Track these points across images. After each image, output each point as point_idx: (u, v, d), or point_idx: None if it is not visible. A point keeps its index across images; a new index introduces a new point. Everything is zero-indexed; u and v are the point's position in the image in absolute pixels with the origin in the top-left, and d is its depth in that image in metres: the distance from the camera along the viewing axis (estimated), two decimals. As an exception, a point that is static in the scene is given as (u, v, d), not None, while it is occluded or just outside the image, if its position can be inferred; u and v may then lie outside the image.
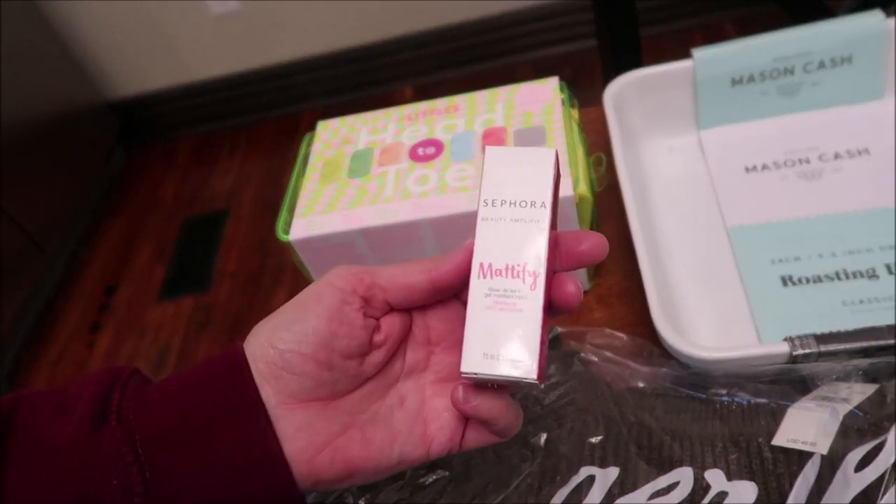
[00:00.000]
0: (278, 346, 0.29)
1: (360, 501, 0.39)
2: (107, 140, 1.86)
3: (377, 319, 0.31)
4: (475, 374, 0.28)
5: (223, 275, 1.57)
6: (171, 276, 1.62)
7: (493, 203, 0.29)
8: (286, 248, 0.47)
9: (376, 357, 0.31)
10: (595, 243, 0.29)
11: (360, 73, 1.81)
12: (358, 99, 1.84)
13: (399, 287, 0.30)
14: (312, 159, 0.50)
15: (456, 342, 0.28)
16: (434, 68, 1.79)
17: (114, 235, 1.77)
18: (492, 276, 0.28)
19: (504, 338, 0.27)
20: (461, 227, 0.44)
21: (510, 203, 0.29)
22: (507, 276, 0.28)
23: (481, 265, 0.28)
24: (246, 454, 0.28)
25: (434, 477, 0.40)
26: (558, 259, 0.30)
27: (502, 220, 0.28)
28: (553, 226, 0.29)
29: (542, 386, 0.28)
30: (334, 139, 0.51)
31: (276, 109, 1.86)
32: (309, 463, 0.29)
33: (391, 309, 0.31)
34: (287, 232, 0.46)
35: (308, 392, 0.29)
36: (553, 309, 0.29)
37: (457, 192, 0.44)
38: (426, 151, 0.48)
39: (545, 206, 0.28)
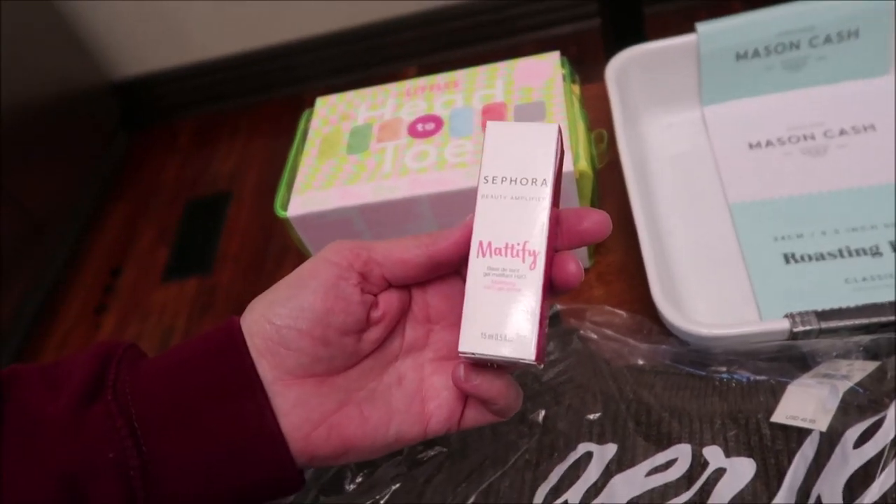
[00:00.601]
0: (274, 321, 0.28)
1: (358, 477, 0.39)
2: (109, 122, 1.85)
3: (375, 295, 0.30)
4: (473, 353, 0.27)
5: (226, 257, 1.58)
6: (175, 258, 1.62)
7: (493, 180, 0.28)
8: (287, 227, 0.46)
9: (374, 334, 0.30)
10: (597, 221, 0.29)
11: (364, 52, 1.80)
12: (362, 79, 1.82)
13: (396, 262, 0.30)
14: (311, 135, 0.50)
15: (456, 320, 0.28)
16: (439, 48, 1.77)
17: (117, 218, 1.77)
18: (491, 255, 0.28)
19: (502, 318, 0.27)
20: (459, 204, 0.44)
21: (511, 180, 0.28)
22: (506, 255, 0.28)
23: (480, 243, 0.28)
24: (242, 430, 0.28)
25: (431, 453, 0.39)
26: (560, 237, 0.29)
27: (503, 197, 0.28)
28: (555, 203, 0.29)
29: (541, 366, 0.28)
30: (333, 115, 0.51)
31: (279, 90, 1.85)
32: (305, 439, 0.29)
33: (389, 285, 0.31)
34: (285, 208, 0.46)
35: (304, 368, 0.29)
36: (554, 288, 0.29)
37: (455, 168, 0.44)
38: (425, 127, 0.47)
39: (546, 184, 0.28)
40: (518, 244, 0.27)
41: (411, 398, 0.31)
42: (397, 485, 0.38)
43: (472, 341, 0.27)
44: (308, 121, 0.51)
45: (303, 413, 0.29)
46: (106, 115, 1.84)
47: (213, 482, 0.28)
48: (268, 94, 1.87)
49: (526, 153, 0.28)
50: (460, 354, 0.28)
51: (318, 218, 0.45)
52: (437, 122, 0.47)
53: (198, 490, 0.28)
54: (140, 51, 1.82)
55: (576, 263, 0.28)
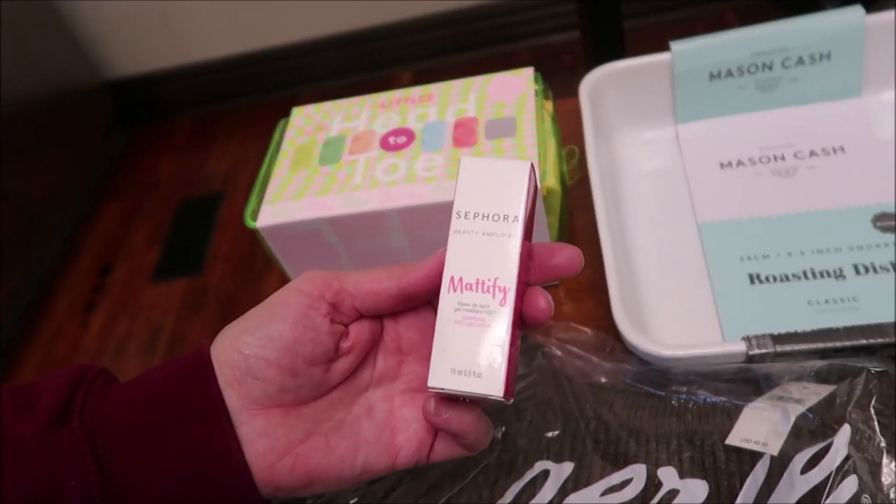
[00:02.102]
0: (243, 350, 0.28)
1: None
2: (105, 120, 1.85)
3: (345, 326, 0.30)
4: (442, 389, 0.28)
5: (216, 257, 1.58)
6: (166, 257, 1.62)
7: (465, 216, 0.29)
8: (258, 237, 0.46)
9: (343, 364, 0.30)
10: (569, 256, 0.29)
11: (361, 56, 1.80)
12: (357, 83, 1.83)
13: (367, 293, 0.30)
14: (285, 145, 0.50)
15: (428, 352, 0.28)
16: (434, 53, 1.78)
17: (110, 216, 1.77)
18: (462, 291, 0.28)
19: (472, 353, 0.27)
20: (429, 217, 0.44)
21: (483, 216, 0.28)
22: (476, 291, 0.28)
23: (452, 278, 0.28)
24: (207, 459, 0.28)
25: (391, 467, 0.40)
26: (532, 271, 0.30)
27: (474, 233, 0.28)
28: (527, 238, 0.29)
29: (510, 402, 0.28)
30: (308, 125, 0.51)
31: (275, 92, 1.86)
32: (269, 469, 0.29)
33: (360, 315, 0.31)
34: (255, 218, 0.46)
35: (271, 398, 0.29)
36: (524, 323, 0.29)
37: (424, 182, 0.44)
38: (397, 140, 0.48)
39: (518, 221, 0.28)
40: (489, 280, 0.28)
41: (380, 429, 0.31)
42: (355, 499, 0.38)
43: (442, 376, 0.28)
44: (283, 130, 0.52)
45: (268, 443, 0.29)
46: (101, 113, 1.84)
47: None
48: (264, 95, 1.88)
49: (498, 190, 0.29)
50: (429, 389, 0.28)
51: (288, 229, 0.45)
52: (409, 135, 0.48)
53: None
54: (138, 50, 1.83)
55: (546, 299, 0.29)
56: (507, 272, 0.28)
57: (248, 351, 0.28)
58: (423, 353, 0.32)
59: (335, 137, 0.49)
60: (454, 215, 0.29)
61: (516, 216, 0.28)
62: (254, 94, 1.88)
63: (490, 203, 0.29)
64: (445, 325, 0.28)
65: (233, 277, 1.52)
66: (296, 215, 0.45)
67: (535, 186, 0.30)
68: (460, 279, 0.28)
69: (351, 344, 0.30)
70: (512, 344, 0.28)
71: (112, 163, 1.89)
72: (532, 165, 0.29)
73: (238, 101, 1.91)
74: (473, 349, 0.27)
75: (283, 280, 0.44)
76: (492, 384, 0.27)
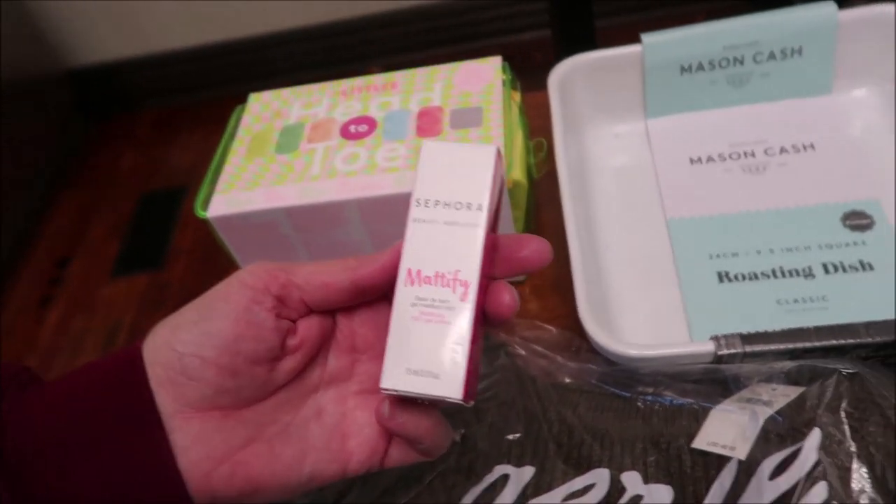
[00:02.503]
0: (177, 348, 0.26)
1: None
2: (64, 110, 1.79)
3: (293, 322, 0.28)
4: (396, 390, 0.26)
5: (179, 252, 1.54)
6: (126, 251, 1.57)
7: (426, 203, 0.27)
8: (210, 229, 0.44)
9: (289, 363, 0.28)
10: (537, 249, 0.27)
11: (330, 50, 1.77)
12: (326, 76, 1.79)
13: (317, 286, 0.28)
14: (241, 132, 0.48)
15: (384, 351, 0.26)
16: (403, 49, 1.76)
17: (68, 208, 1.72)
18: (420, 284, 0.26)
19: (429, 353, 0.25)
20: (389, 209, 0.42)
21: (444, 204, 0.26)
22: (436, 285, 0.26)
23: (409, 271, 0.26)
24: (136, 467, 0.25)
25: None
26: (497, 265, 0.28)
27: (435, 222, 0.26)
28: (493, 229, 0.27)
29: (471, 405, 0.26)
30: (265, 112, 0.49)
31: (242, 84, 1.81)
32: (205, 477, 0.26)
33: (310, 311, 0.29)
34: (206, 208, 0.43)
35: (208, 400, 0.26)
36: (487, 320, 0.27)
37: (385, 172, 0.42)
38: (358, 129, 0.46)
39: (482, 209, 0.26)
40: (449, 273, 0.26)
41: (330, 434, 0.29)
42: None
43: (396, 377, 0.26)
44: (239, 117, 0.49)
45: (204, 449, 0.26)
46: (61, 103, 1.78)
47: None
48: (230, 88, 1.83)
49: (462, 176, 0.27)
50: (382, 391, 0.26)
51: (240, 219, 0.43)
52: (371, 123, 0.46)
53: None
54: (102, 39, 1.77)
55: (511, 295, 0.27)
56: (470, 265, 0.26)
57: (183, 349, 0.26)
58: (379, 351, 0.29)
59: (293, 125, 0.47)
60: (413, 202, 0.27)
61: (480, 204, 0.26)
62: (220, 86, 1.84)
63: (452, 190, 0.27)
64: (401, 321, 0.26)
65: (196, 272, 1.48)
66: (249, 205, 0.43)
67: (502, 174, 0.28)
68: (418, 272, 0.26)
69: (299, 341, 0.28)
70: (473, 342, 0.26)
71: (71, 153, 1.83)
72: (498, 150, 0.27)
73: (203, 93, 1.86)
74: (431, 348, 0.25)
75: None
76: (450, 386, 0.25)
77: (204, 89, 1.86)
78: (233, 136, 0.48)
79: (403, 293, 0.26)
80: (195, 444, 0.26)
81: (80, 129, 1.87)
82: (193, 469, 0.26)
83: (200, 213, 0.43)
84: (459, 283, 0.26)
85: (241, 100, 0.51)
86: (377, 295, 0.29)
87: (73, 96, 1.82)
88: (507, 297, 0.27)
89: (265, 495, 0.28)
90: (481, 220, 0.26)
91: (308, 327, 0.29)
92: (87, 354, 1.39)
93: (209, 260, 1.48)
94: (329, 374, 0.30)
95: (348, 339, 0.30)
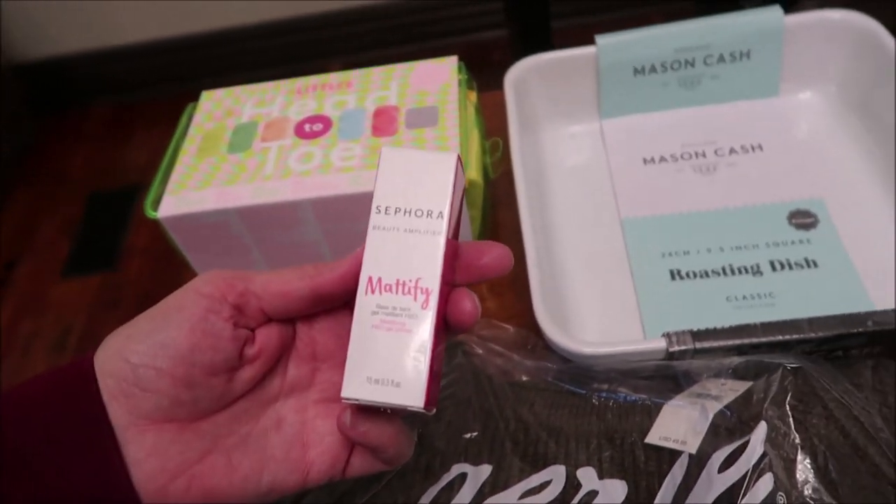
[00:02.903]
0: (130, 359, 0.25)
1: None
2: (12, 105, 1.74)
3: (252, 331, 0.28)
4: (357, 399, 0.25)
5: (133, 252, 1.50)
6: (78, 251, 1.53)
7: (385, 210, 0.26)
8: (161, 230, 0.43)
9: (247, 373, 0.27)
10: (498, 256, 0.27)
11: (288, 47, 1.75)
12: (285, 73, 1.76)
13: (275, 294, 0.27)
14: (192, 131, 0.47)
15: (345, 359, 0.26)
16: (362, 47, 1.75)
17: (16, 207, 1.66)
18: (380, 292, 0.26)
19: (390, 361, 0.25)
20: (345, 209, 0.42)
21: (405, 212, 0.26)
22: (396, 293, 0.26)
23: (370, 279, 0.26)
24: (87, 481, 0.24)
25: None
26: (458, 272, 0.27)
27: (395, 229, 0.26)
28: (454, 236, 0.27)
29: (433, 413, 0.26)
30: (217, 110, 0.48)
31: (199, 81, 1.77)
32: (160, 491, 0.25)
33: (268, 319, 0.28)
34: (156, 208, 0.43)
35: (163, 412, 0.26)
36: (448, 327, 0.27)
37: (341, 172, 0.42)
38: (313, 128, 0.45)
39: (442, 217, 0.26)
40: (410, 281, 0.26)
41: (290, 444, 0.28)
42: (259, 509, 0.36)
43: (357, 386, 0.25)
44: (191, 115, 0.48)
45: (159, 462, 0.25)
46: (9, 98, 1.72)
47: None
48: (187, 84, 1.80)
49: (422, 183, 0.27)
50: (343, 400, 0.25)
51: (192, 220, 0.42)
52: (326, 122, 0.45)
53: None
54: (52, 32, 1.72)
55: (472, 302, 0.26)
56: (431, 272, 0.26)
57: (137, 360, 0.25)
58: (340, 359, 0.29)
59: (246, 123, 0.46)
60: (373, 210, 0.26)
61: (441, 212, 0.26)
62: (175, 83, 1.80)
63: (413, 197, 0.26)
64: (362, 330, 0.26)
65: (151, 273, 1.45)
66: (200, 205, 0.42)
67: (462, 181, 0.28)
68: (379, 280, 0.26)
69: (257, 350, 0.28)
70: (434, 350, 0.25)
71: (20, 151, 1.77)
72: (458, 157, 0.27)
73: (159, 90, 1.82)
74: (392, 356, 0.25)
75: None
76: (412, 394, 0.25)
77: (158, 85, 1.82)
78: (184, 134, 0.47)
79: (364, 301, 0.26)
80: (149, 457, 0.25)
81: (29, 125, 1.81)
82: (148, 483, 0.25)
83: (151, 214, 0.42)
84: (420, 291, 0.26)
85: (196, 97, 0.50)
86: (337, 303, 0.29)
87: (23, 92, 1.76)
88: (468, 304, 0.27)
89: None
90: (442, 227, 0.26)
91: (267, 336, 0.28)
92: (37, 357, 1.35)
93: (165, 260, 1.45)
94: (289, 383, 0.29)
95: (308, 347, 0.30)
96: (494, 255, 0.27)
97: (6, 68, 1.71)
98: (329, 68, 1.81)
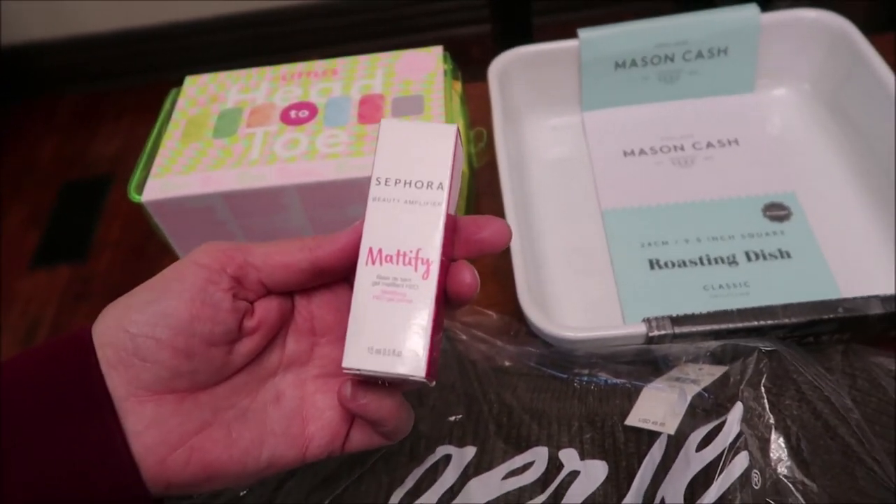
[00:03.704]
0: (130, 329, 0.25)
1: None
2: (-23, 92, 1.70)
3: (251, 303, 0.28)
4: (358, 370, 0.25)
5: (104, 244, 1.48)
6: (46, 243, 1.50)
7: (385, 182, 0.26)
8: (145, 215, 0.43)
9: (247, 345, 0.28)
10: (497, 230, 0.27)
11: (264, 38, 1.73)
12: (257, 65, 1.76)
13: (275, 266, 0.27)
14: (176, 116, 0.47)
15: (343, 333, 0.26)
16: (341, 40, 1.74)
17: (-18, 196, 1.62)
18: (381, 263, 0.26)
19: (391, 331, 0.25)
20: (330, 196, 0.42)
21: (405, 183, 0.26)
22: (397, 264, 0.26)
23: (370, 250, 0.26)
24: (85, 456, 0.24)
25: (286, 456, 0.38)
26: (457, 246, 0.28)
27: (395, 200, 0.26)
28: (452, 210, 0.27)
29: (433, 384, 0.26)
30: (202, 96, 0.48)
31: (171, 72, 1.75)
32: (160, 464, 0.25)
33: (268, 291, 0.28)
34: (140, 192, 0.42)
35: (163, 383, 0.25)
36: (448, 300, 0.27)
37: (326, 158, 0.42)
38: (299, 114, 0.45)
39: (443, 188, 0.26)
40: (411, 251, 0.26)
41: (290, 418, 0.29)
42: (244, 491, 0.36)
43: (358, 356, 0.25)
44: (174, 100, 0.48)
45: (158, 434, 0.25)
46: (-27, 84, 1.68)
47: None
48: (159, 74, 1.77)
49: (422, 155, 0.27)
50: (344, 371, 0.25)
51: (176, 204, 0.42)
52: (312, 109, 0.45)
53: None
54: (19, 19, 1.68)
55: (472, 274, 0.27)
56: (431, 243, 0.26)
57: (136, 330, 0.25)
58: (339, 334, 0.29)
59: (231, 109, 0.46)
60: (373, 181, 0.27)
61: (441, 183, 0.26)
62: (147, 73, 1.77)
63: (413, 169, 0.27)
64: (363, 300, 0.26)
65: (122, 265, 1.43)
66: (185, 190, 0.42)
67: (460, 153, 0.28)
68: (379, 251, 0.26)
69: (256, 323, 0.28)
70: (435, 321, 0.26)
71: (-15, 140, 1.73)
72: (458, 129, 0.27)
73: (129, 80, 1.79)
74: (393, 326, 0.25)
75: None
76: (413, 364, 0.25)
77: (128, 76, 1.79)
78: (168, 119, 0.47)
79: (364, 272, 0.26)
80: (149, 428, 0.25)
81: (-6, 113, 1.77)
82: (147, 455, 0.25)
83: (135, 198, 0.42)
84: (421, 262, 0.26)
85: (167, 88, 0.49)
86: (337, 277, 0.29)
87: (-11, 79, 1.72)
88: (468, 276, 0.27)
89: (222, 481, 0.27)
90: (442, 198, 0.26)
91: (266, 309, 0.28)
92: (5, 350, 1.33)
93: (137, 252, 1.43)
94: (288, 357, 0.30)
95: (307, 321, 0.30)
96: (493, 229, 0.28)
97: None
98: (304, 61, 1.80)
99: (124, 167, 1.62)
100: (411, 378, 0.25)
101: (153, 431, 0.25)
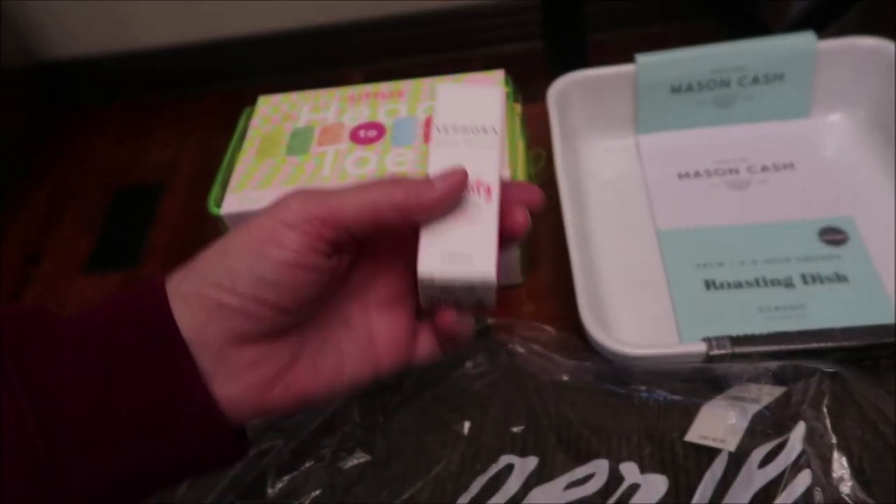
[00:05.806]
0: (237, 288, 0.27)
1: (278, 483, 0.39)
2: (36, 103, 1.77)
3: (341, 254, 0.30)
4: (431, 275, 0.28)
5: (154, 249, 1.52)
6: (99, 248, 1.55)
7: (445, 130, 0.30)
8: (220, 225, 0.45)
9: (333, 288, 0.30)
10: (532, 191, 0.30)
11: (309, 53, 1.78)
12: (305, 80, 1.79)
13: (368, 224, 0.28)
14: (250, 134, 0.49)
15: (400, 265, 0.30)
16: (385, 55, 1.77)
17: (38, 203, 1.69)
18: None
19: (461, 242, 0.29)
20: (398, 213, 0.44)
21: (463, 129, 0.30)
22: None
23: None
24: (169, 400, 0.26)
25: (354, 461, 0.39)
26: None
27: (456, 144, 0.30)
28: (504, 152, 0.32)
29: (496, 285, 0.29)
30: (274, 115, 0.50)
31: (219, 84, 1.81)
32: (261, 399, 0.28)
33: (353, 240, 0.29)
34: (219, 205, 0.45)
35: (262, 335, 0.28)
36: (502, 237, 0.30)
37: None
38: (367, 134, 0.47)
39: (496, 132, 0.30)
40: (473, 181, 0.29)
41: (361, 342, 0.31)
42: (318, 491, 0.38)
43: (432, 263, 0.28)
44: (248, 119, 0.51)
45: (258, 375, 0.28)
46: (33, 95, 1.75)
47: (136, 459, 0.26)
48: (207, 87, 1.82)
49: (476, 107, 0.31)
50: (420, 277, 0.28)
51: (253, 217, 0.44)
52: (380, 129, 0.48)
53: (121, 467, 0.26)
54: (79, 33, 1.75)
55: (523, 212, 0.30)
56: (491, 173, 0.29)
57: (240, 298, 0.27)
58: (394, 263, 0.32)
59: (303, 128, 0.49)
60: (434, 130, 0.30)
61: (494, 127, 0.30)
62: (196, 86, 1.83)
63: (469, 118, 0.30)
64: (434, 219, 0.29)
65: (171, 271, 1.47)
66: (261, 203, 0.44)
67: (505, 109, 0.32)
68: None
69: (343, 270, 0.30)
70: (498, 239, 0.29)
71: (43, 147, 1.80)
72: (504, 92, 0.31)
73: (180, 91, 1.85)
74: (463, 238, 0.29)
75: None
76: (483, 268, 0.28)
77: (180, 88, 1.85)
78: (242, 137, 0.49)
79: None
80: (249, 369, 0.28)
81: (52, 123, 1.84)
82: (250, 393, 0.28)
83: (214, 211, 0.44)
84: (483, 188, 0.29)
85: (220, 99, 0.52)
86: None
87: (47, 90, 1.79)
88: (520, 214, 0.29)
89: (314, 403, 0.31)
90: (496, 140, 0.30)
91: (347, 251, 0.30)
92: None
93: (185, 257, 1.46)
94: (350, 285, 0.32)
95: (370, 252, 0.32)
96: (529, 191, 0.30)
97: (32, 65, 1.74)
98: (349, 76, 1.84)
99: (175, 176, 1.67)
100: (482, 280, 0.28)
101: (253, 372, 0.28)
